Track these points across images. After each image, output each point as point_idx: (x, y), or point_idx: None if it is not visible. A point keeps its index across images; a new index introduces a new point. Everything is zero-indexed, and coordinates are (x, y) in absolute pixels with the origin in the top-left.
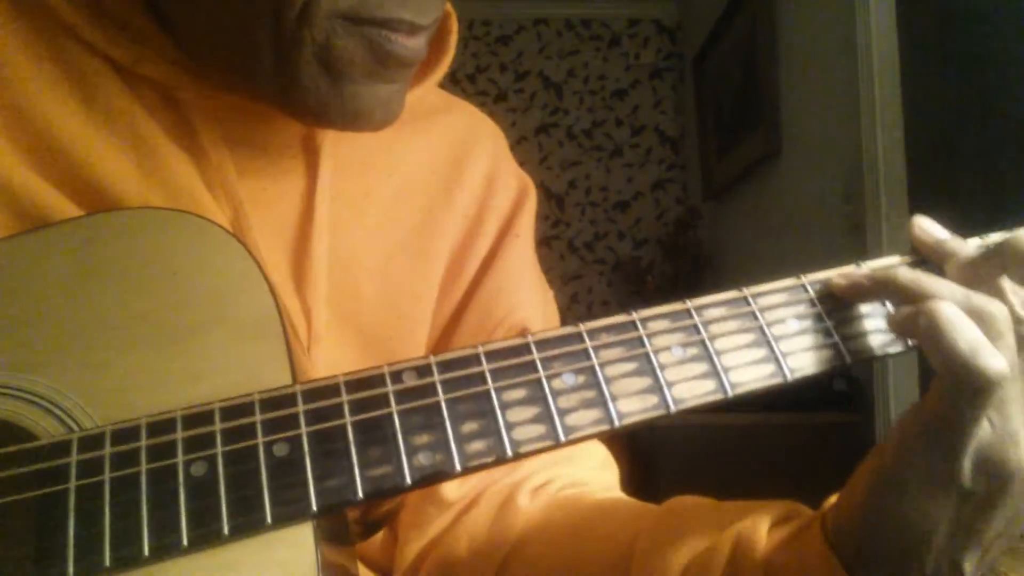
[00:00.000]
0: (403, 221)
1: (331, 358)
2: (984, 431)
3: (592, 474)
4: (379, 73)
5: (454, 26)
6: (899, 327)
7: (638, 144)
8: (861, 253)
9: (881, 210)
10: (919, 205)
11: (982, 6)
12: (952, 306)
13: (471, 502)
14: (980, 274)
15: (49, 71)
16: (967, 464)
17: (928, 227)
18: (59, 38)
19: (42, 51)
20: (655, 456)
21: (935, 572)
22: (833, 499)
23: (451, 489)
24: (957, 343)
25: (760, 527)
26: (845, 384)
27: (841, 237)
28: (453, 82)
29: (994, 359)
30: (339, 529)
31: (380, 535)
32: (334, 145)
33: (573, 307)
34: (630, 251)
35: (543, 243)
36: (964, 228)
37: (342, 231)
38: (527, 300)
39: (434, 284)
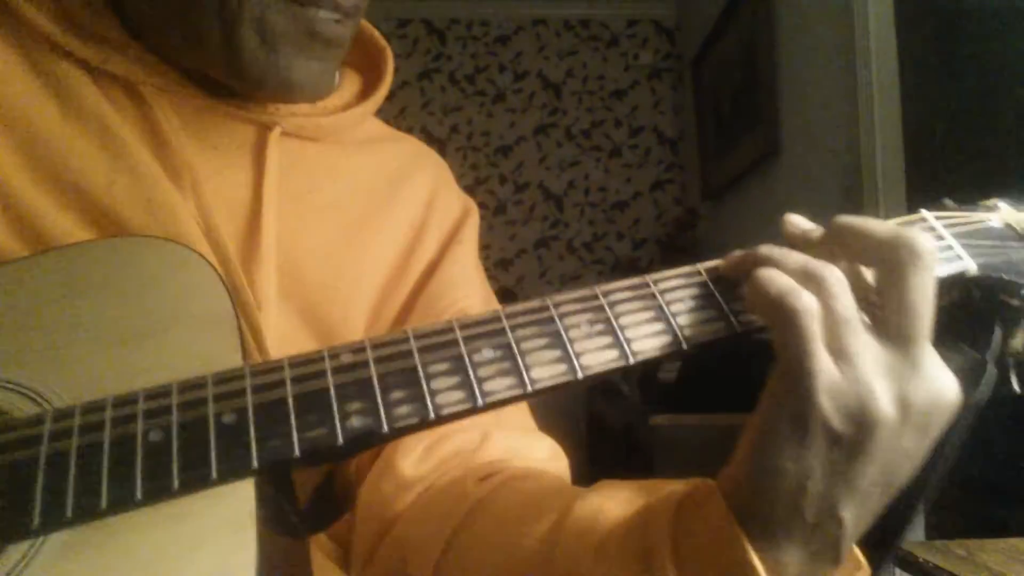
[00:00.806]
0: (343, 217)
1: (277, 327)
2: (832, 374)
3: (541, 466)
4: (309, 48)
5: (390, 60)
6: (745, 299)
7: (637, 144)
8: None
9: (880, 210)
10: (917, 205)
11: (982, 6)
12: (769, 269)
13: (427, 487)
14: (828, 252)
15: (26, 76)
16: (824, 404)
17: (795, 220)
18: (33, 46)
19: (19, 59)
20: (655, 456)
21: (816, 521)
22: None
23: (408, 468)
24: (768, 290)
25: (670, 497)
26: None
27: None
28: (452, 82)
29: (799, 298)
30: (285, 518)
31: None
32: (281, 147)
33: None
34: (629, 251)
35: (542, 243)
36: None
37: (287, 218)
38: (468, 293)
39: (372, 276)
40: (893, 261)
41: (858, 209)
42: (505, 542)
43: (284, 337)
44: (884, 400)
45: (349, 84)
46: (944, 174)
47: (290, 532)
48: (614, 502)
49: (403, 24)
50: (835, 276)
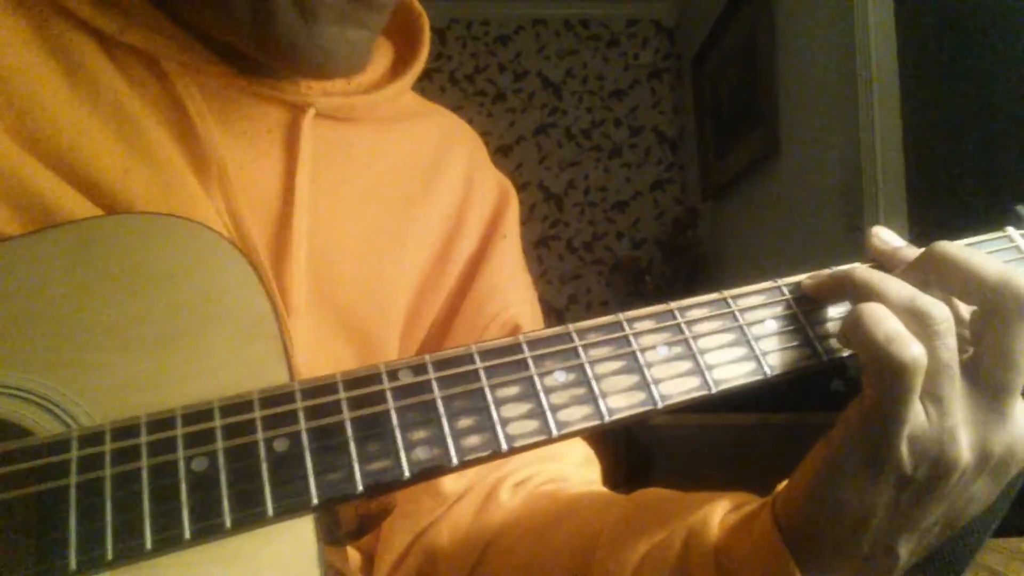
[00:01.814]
0: (380, 209)
1: (309, 333)
2: (919, 420)
3: (573, 470)
4: (351, 15)
5: (426, 27)
6: (840, 330)
7: (637, 144)
8: (859, 253)
9: (879, 210)
10: (917, 205)
11: (982, 6)
12: (878, 305)
13: (459, 496)
14: (921, 278)
15: (32, 46)
16: (903, 450)
17: (885, 236)
18: (42, 11)
19: (23, 23)
20: (655, 456)
21: (871, 554)
22: (783, 486)
23: (449, 482)
24: (875, 334)
25: (713, 516)
26: (843, 385)
27: (839, 237)
28: (452, 82)
29: (909, 348)
30: (330, 529)
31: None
32: (314, 132)
33: (572, 307)
34: (629, 251)
35: (542, 243)
36: (963, 228)
37: (320, 213)
38: (518, 298)
39: (410, 272)
40: (999, 308)
41: (858, 209)
42: (537, 554)
43: (316, 343)
44: (964, 448)
45: (380, 55)
46: (944, 174)
47: (332, 543)
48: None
49: None
50: (944, 317)
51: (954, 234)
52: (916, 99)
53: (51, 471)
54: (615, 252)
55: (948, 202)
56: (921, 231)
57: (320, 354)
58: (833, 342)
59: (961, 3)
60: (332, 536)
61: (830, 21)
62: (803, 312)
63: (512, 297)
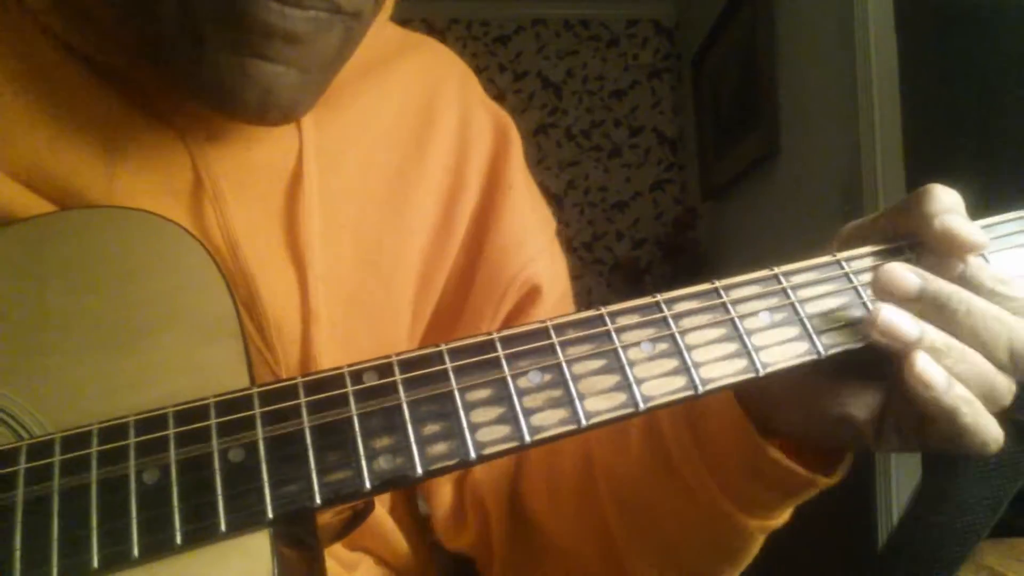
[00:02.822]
0: (376, 178)
1: (329, 334)
2: None
3: None
4: (243, 43)
5: None
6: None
7: (636, 144)
8: None
9: (880, 210)
10: None
11: (981, 6)
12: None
13: None
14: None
15: (8, 61)
16: None
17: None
18: (19, 26)
19: (7, 51)
20: None
21: None
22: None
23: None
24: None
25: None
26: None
27: None
28: None
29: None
30: (303, 532)
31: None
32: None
33: (572, 307)
34: (629, 251)
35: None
36: None
37: (323, 193)
38: (533, 252)
39: (413, 239)
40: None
41: (858, 209)
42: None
43: (333, 337)
44: None
45: None
46: (944, 174)
47: (306, 548)
48: None
49: (403, 24)
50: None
51: None
52: (916, 99)
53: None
54: (615, 252)
55: None
56: None
57: (337, 342)
58: (833, 337)
59: (961, 3)
60: (310, 539)
61: (830, 21)
62: (801, 303)
63: (526, 254)
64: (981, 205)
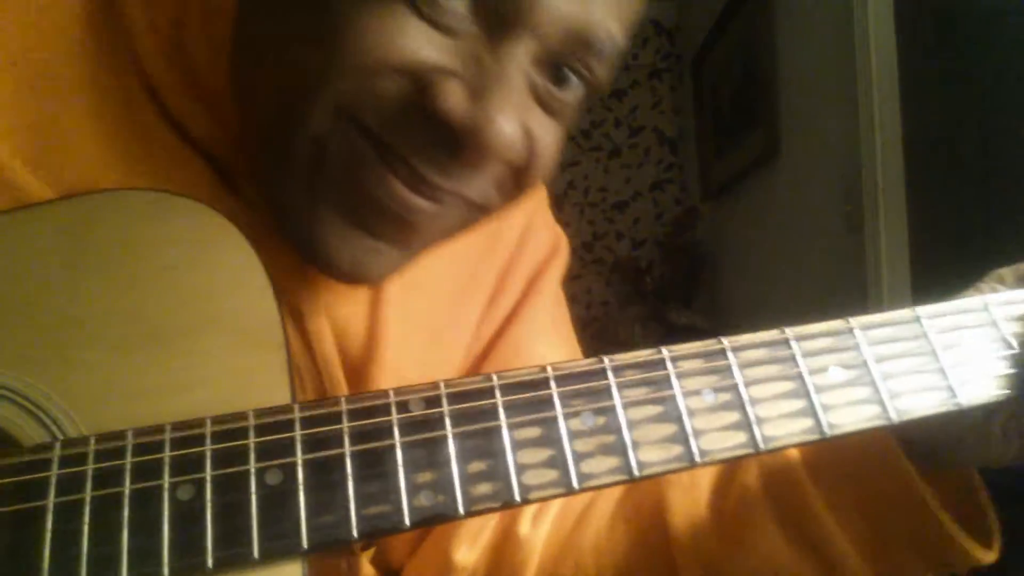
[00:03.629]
0: (443, 298)
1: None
2: None
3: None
4: (355, 213)
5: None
6: None
7: (636, 144)
8: (859, 254)
9: (880, 211)
10: (917, 206)
11: (982, 6)
12: None
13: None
14: None
15: (111, 103)
16: None
17: None
18: (130, 78)
19: (110, 85)
20: None
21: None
22: None
23: (460, 554)
24: None
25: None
26: None
27: (839, 237)
28: None
29: None
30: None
31: None
32: None
33: (572, 307)
34: (629, 251)
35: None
36: (962, 229)
37: (396, 336)
38: (545, 356)
39: (466, 337)
40: None
41: (858, 209)
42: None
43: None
44: None
45: None
46: (944, 174)
47: (340, 553)
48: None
49: None
50: None
51: (953, 234)
52: (916, 99)
53: (29, 490)
54: (615, 252)
55: (948, 202)
56: (921, 231)
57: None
58: (908, 401)
59: (961, 3)
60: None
61: (830, 21)
62: (875, 361)
63: (537, 353)
64: (981, 206)
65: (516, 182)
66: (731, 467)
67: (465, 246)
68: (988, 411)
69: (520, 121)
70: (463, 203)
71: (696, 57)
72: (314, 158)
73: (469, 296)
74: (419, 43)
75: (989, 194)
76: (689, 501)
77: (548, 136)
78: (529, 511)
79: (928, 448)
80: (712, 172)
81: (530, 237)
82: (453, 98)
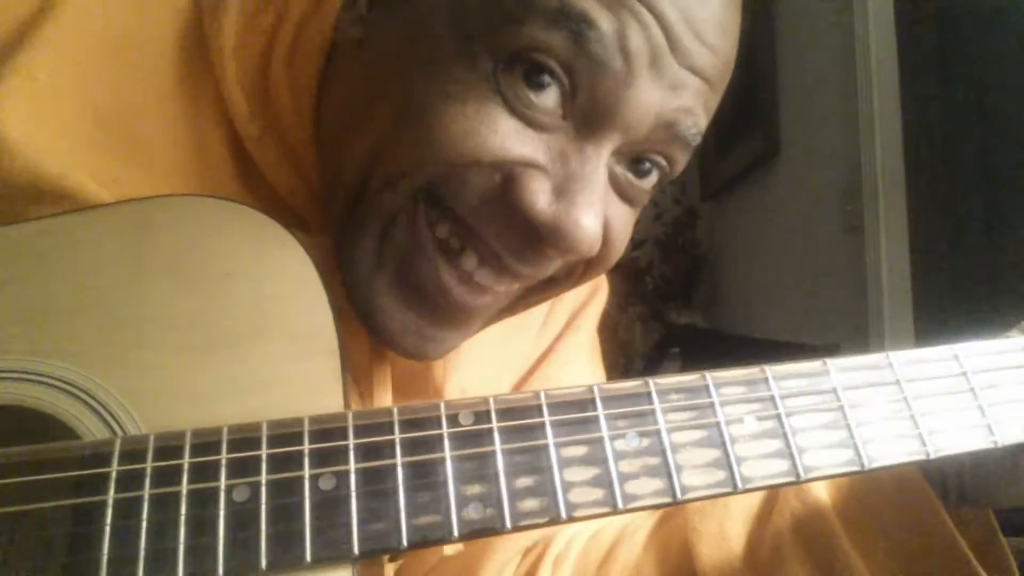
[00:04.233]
0: (510, 341)
1: None
2: None
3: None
4: (406, 297)
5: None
6: None
7: None
8: (859, 254)
9: (879, 211)
10: (917, 206)
11: (982, 6)
12: None
13: None
14: None
15: (184, 154)
16: None
17: None
18: (209, 126)
19: (187, 135)
20: None
21: None
22: None
23: None
24: None
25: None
26: None
27: (840, 237)
28: None
29: None
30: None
31: None
32: None
33: None
34: (628, 251)
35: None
36: (962, 229)
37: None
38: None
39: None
40: None
41: (858, 209)
42: None
43: None
44: None
45: None
46: (944, 174)
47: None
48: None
49: None
50: None
51: (953, 234)
52: (916, 99)
53: (90, 484)
54: None
55: (948, 202)
56: (921, 232)
57: None
58: (944, 439)
59: (961, 3)
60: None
61: (830, 21)
62: (912, 398)
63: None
64: (981, 206)
65: (587, 267)
66: (763, 520)
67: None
68: (1015, 451)
69: (601, 216)
70: (525, 288)
71: None
72: (384, 229)
73: (522, 331)
74: (512, 140)
75: (989, 194)
76: (720, 555)
77: (623, 224)
78: (550, 557)
79: (959, 486)
80: (712, 172)
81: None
82: (540, 195)
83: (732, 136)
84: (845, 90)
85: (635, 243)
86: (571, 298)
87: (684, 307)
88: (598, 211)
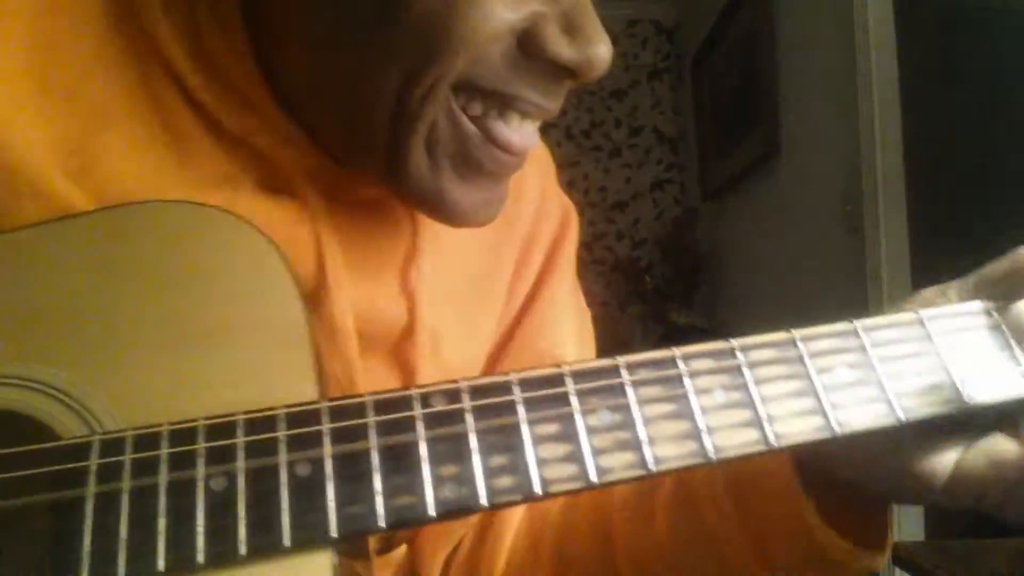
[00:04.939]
0: (475, 259)
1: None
2: None
3: None
4: (471, 178)
5: None
6: None
7: (637, 144)
8: (859, 254)
9: (879, 211)
10: (917, 206)
11: (982, 6)
12: None
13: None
14: None
15: (145, 123)
16: None
17: None
18: (163, 93)
19: (142, 102)
20: None
21: None
22: None
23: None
24: None
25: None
26: None
27: (839, 237)
28: None
29: None
30: (357, 546)
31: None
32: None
33: None
34: (629, 251)
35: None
36: (962, 229)
37: (434, 269)
38: (566, 337)
39: (496, 315)
40: None
41: (858, 209)
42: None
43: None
44: None
45: None
46: (943, 174)
47: (361, 557)
48: None
49: None
50: None
51: (953, 234)
52: (915, 99)
53: (70, 478)
54: (615, 252)
55: (948, 202)
56: (921, 231)
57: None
58: (913, 401)
59: (961, 3)
60: (361, 551)
61: (830, 21)
62: (880, 361)
63: (559, 335)
64: (981, 206)
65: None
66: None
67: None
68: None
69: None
70: (531, 141)
71: (696, 57)
72: (430, 135)
73: (496, 272)
74: (514, 3)
75: (989, 194)
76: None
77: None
78: None
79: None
80: (712, 172)
81: (544, 210)
82: (559, 40)
83: (732, 136)
84: (845, 90)
85: (635, 243)
86: (544, 238)
87: (684, 307)
88: (605, 32)
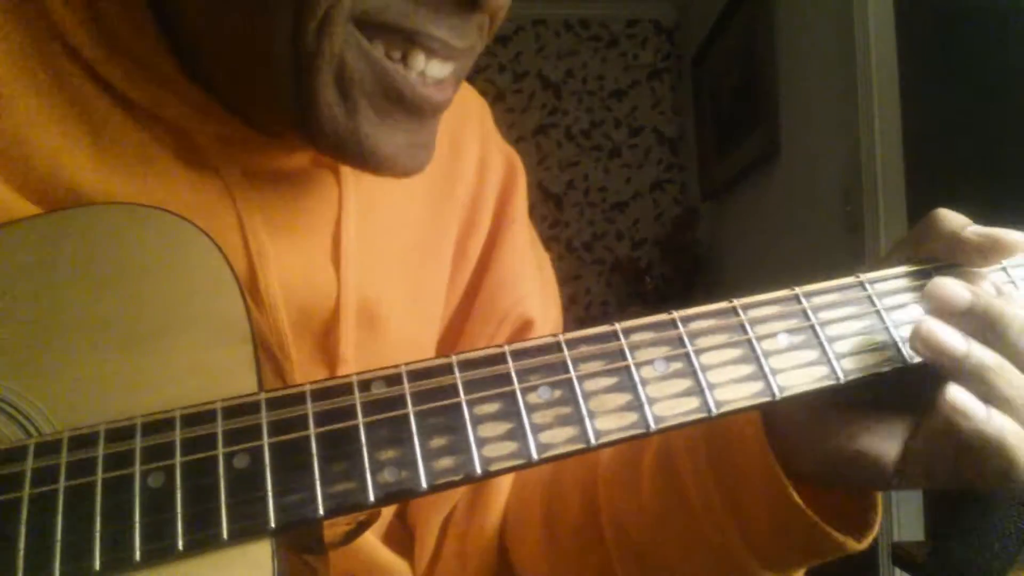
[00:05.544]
0: (414, 220)
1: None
2: None
3: None
4: (392, 116)
5: None
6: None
7: (636, 144)
8: (859, 253)
9: (879, 211)
10: (917, 206)
11: (982, 6)
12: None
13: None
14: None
15: (51, 101)
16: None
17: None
18: (65, 68)
19: (44, 80)
20: None
21: None
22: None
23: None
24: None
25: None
26: None
27: (839, 237)
28: None
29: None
30: (309, 540)
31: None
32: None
33: (571, 308)
34: (628, 251)
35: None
36: None
37: (364, 234)
38: (529, 290)
39: (444, 276)
40: None
41: (858, 209)
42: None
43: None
44: None
45: None
46: (943, 174)
47: (311, 555)
48: None
49: None
50: None
51: None
52: (915, 99)
53: (5, 482)
54: (615, 252)
55: (948, 201)
56: None
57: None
58: (855, 361)
59: (961, 3)
60: (317, 546)
61: (830, 21)
62: (821, 325)
63: (522, 289)
64: (980, 206)
65: (491, 26)
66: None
67: (428, 185)
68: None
69: None
70: (463, 62)
71: (696, 57)
72: (338, 74)
73: (440, 234)
74: None
75: (989, 194)
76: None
77: None
78: None
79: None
80: (712, 172)
81: (487, 163)
82: None
83: (733, 136)
84: (844, 90)
85: (635, 243)
86: (490, 193)
87: (684, 307)
88: None
